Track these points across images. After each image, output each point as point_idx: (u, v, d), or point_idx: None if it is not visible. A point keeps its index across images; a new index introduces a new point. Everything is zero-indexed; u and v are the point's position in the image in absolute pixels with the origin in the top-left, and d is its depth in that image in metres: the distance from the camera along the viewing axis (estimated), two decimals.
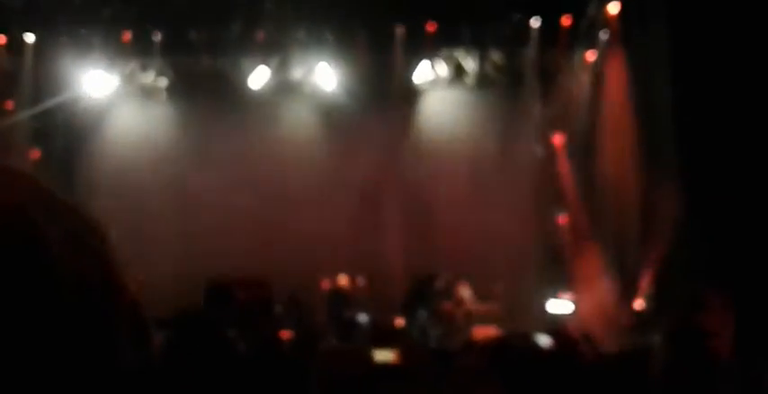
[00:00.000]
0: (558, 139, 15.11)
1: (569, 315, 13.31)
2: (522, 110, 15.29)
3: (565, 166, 14.84)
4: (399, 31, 15.13)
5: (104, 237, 0.65)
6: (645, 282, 12.00)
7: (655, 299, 11.76)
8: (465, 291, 13.13)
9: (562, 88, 15.16)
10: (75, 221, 0.63)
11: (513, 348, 3.18)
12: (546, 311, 13.63)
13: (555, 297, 13.90)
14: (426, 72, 15.53)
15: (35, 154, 15.15)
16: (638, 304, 11.80)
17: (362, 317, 12.28)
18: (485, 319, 12.95)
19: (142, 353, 0.63)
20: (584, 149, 14.36)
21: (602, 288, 12.93)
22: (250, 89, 15.59)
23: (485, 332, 12.43)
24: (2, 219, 0.56)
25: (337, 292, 13.24)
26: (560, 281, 14.08)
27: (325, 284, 13.46)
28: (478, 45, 15.37)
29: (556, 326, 11.13)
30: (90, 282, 0.58)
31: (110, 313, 0.59)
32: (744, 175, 11.14)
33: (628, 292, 12.27)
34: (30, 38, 15.19)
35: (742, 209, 10.99)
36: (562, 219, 14.82)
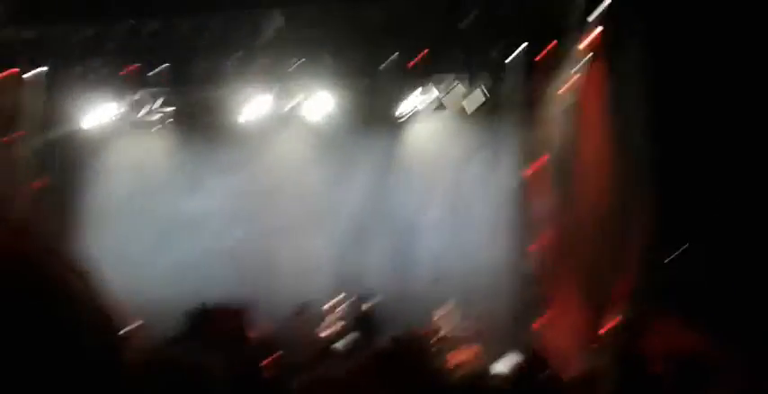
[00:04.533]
0: (539, 164, 15.35)
1: (544, 337, 13.55)
2: (504, 136, 15.59)
3: (546, 191, 15.07)
4: (388, 59, 15.54)
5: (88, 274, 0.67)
6: (616, 305, 12.16)
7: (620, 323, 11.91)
8: (446, 315, 13.46)
9: (543, 114, 15.43)
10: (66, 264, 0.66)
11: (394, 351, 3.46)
12: (523, 334, 13.88)
13: (537, 318, 14.13)
14: (414, 99, 15.93)
15: (39, 183, 15.87)
16: (607, 327, 11.96)
17: (340, 343, 12.65)
18: (467, 342, 13.27)
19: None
20: (564, 176, 14.59)
21: (576, 311, 13.14)
22: (246, 119, 16.14)
23: (462, 355, 12.76)
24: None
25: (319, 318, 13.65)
26: (539, 304, 14.32)
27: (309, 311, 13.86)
28: (466, 70, 15.72)
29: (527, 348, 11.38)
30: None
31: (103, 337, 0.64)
32: (723, 205, 11.26)
33: (599, 315, 12.44)
34: (36, 71, 15.92)
35: (719, 234, 11.12)
36: (540, 243, 15.04)
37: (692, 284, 10.56)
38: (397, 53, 15.48)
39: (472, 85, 15.90)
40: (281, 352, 12.34)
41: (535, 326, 13.94)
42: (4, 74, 15.55)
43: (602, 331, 11.99)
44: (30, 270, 0.61)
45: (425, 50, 15.36)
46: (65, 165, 16.38)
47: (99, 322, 0.64)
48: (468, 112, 15.82)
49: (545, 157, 15.13)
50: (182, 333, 11.39)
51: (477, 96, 15.88)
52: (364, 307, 13.63)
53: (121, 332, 0.66)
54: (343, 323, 13.38)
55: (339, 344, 12.67)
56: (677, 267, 11.18)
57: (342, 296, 13.37)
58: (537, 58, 14.99)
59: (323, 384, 3.74)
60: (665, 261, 11.35)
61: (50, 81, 15.91)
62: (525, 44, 15.05)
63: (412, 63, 15.18)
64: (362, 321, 13.47)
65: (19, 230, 0.64)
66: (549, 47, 15.03)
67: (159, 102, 16.50)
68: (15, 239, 0.63)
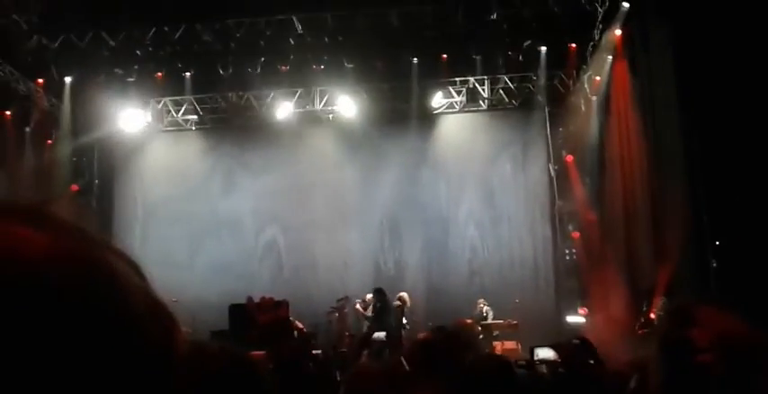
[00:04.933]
0: (569, 159, 15.59)
1: (584, 327, 13.65)
2: (534, 132, 15.87)
3: (577, 184, 15.30)
4: (415, 60, 15.83)
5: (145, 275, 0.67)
6: (658, 293, 12.30)
7: (667, 310, 12.03)
8: (485, 308, 13.59)
9: (571, 110, 15.72)
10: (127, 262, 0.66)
11: (438, 345, 3.47)
12: (562, 324, 14.00)
13: (572, 310, 14.27)
14: (442, 98, 16.21)
15: (74, 187, 16.02)
16: (652, 315, 12.08)
17: (379, 335, 12.69)
18: (505, 334, 13.36)
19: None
20: (594, 167, 14.82)
21: (617, 300, 13.25)
22: (275, 121, 16.36)
23: (505, 346, 12.86)
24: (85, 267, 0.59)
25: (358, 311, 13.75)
26: (576, 294, 14.48)
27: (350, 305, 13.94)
28: (491, 71, 16.03)
29: (568, 338, 11.42)
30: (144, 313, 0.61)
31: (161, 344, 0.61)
32: (754, 189, 11.47)
33: (641, 304, 12.58)
34: (67, 79, 16.13)
35: (752, 224, 11.29)
36: (576, 234, 15.23)
37: (734, 272, 10.75)
38: (417, 58, 15.80)
39: (498, 84, 16.22)
40: (322, 344, 12.42)
41: (576, 315, 14.07)
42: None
43: (644, 319, 12.13)
44: (98, 269, 0.59)
45: (447, 53, 15.70)
46: (101, 169, 16.51)
47: (158, 316, 0.63)
48: (495, 110, 16.17)
49: (576, 152, 15.39)
50: (225, 328, 11.48)
51: (502, 95, 16.22)
52: (397, 300, 13.66)
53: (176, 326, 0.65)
54: (378, 315, 13.44)
55: (378, 336, 12.73)
56: (718, 256, 11.37)
57: (377, 290, 13.39)
58: (566, 55, 15.32)
59: (368, 375, 3.77)
60: (706, 249, 11.55)
61: (81, 88, 16.14)
62: (552, 44, 15.37)
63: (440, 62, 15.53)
64: (395, 314, 13.51)
65: (78, 231, 0.62)
66: (575, 47, 15.39)
67: (189, 107, 16.70)
68: (77, 241, 0.60)
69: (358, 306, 13.94)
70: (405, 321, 13.18)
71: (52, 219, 0.62)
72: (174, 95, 16.66)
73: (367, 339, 12.92)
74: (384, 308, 12.99)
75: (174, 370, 0.63)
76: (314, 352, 11.32)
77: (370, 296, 13.95)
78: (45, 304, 0.56)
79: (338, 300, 13.65)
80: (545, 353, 11.21)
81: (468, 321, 12.81)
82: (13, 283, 0.56)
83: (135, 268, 0.64)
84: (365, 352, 12.07)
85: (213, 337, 11.35)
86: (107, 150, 16.56)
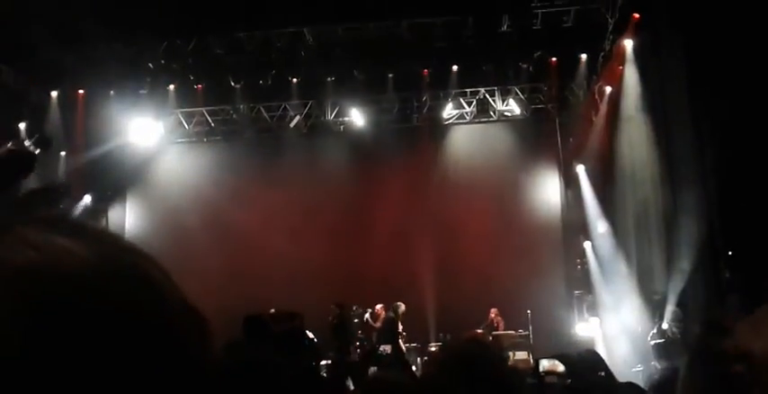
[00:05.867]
0: (580, 169, 15.59)
1: (595, 338, 13.62)
2: (545, 142, 15.89)
3: (588, 194, 15.28)
4: (425, 71, 15.88)
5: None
6: (670, 303, 12.25)
7: (681, 322, 11.99)
8: (496, 318, 13.56)
9: (582, 120, 15.73)
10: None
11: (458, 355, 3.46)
12: (573, 336, 13.95)
13: (582, 321, 14.22)
14: (452, 109, 16.27)
15: (87, 198, 16.11)
16: (664, 325, 12.03)
17: (386, 347, 12.67)
18: (516, 345, 13.32)
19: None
20: (605, 177, 14.81)
21: (629, 311, 13.21)
22: (286, 132, 16.44)
23: (516, 357, 12.82)
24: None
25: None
26: (587, 305, 14.43)
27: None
28: (501, 82, 16.08)
29: (575, 349, 11.39)
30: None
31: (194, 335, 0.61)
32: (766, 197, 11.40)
33: (653, 314, 12.53)
34: (80, 91, 16.26)
35: (765, 234, 11.22)
36: (587, 244, 15.20)
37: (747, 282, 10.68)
38: (427, 69, 15.85)
39: (508, 95, 16.27)
40: (332, 354, 12.40)
41: (587, 326, 14.02)
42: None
43: (656, 330, 12.07)
44: (138, 276, 0.60)
45: (457, 65, 15.74)
46: (114, 180, 16.62)
47: (194, 319, 0.63)
48: (505, 120, 16.20)
49: (587, 162, 15.38)
50: (241, 339, 11.45)
51: (512, 106, 16.26)
52: (391, 311, 13.60)
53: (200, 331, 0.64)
54: (386, 327, 13.44)
55: (384, 348, 12.71)
56: (730, 266, 11.32)
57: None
58: (576, 65, 15.35)
59: (385, 385, 3.75)
60: (719, 259, 11.50)
61: (94, 100, 16.26)
62: (562, 54, 15.40)
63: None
64: (389, 325, 13.46)
65: (112, 239, 0.62)
66: (585, 57, 15.42)
67: (201, 119, 16.82)
68: (114, 248, 0.61)
69: (367, 316, 13.95)
70: (401, 329, 13.15)
71: (87, 228, 0.62)
72: (185, 108, 16.78)
73: (372, 352, 12.91)
74: (341, 324, 12.91)
75: (211, 371, 0.63)
76: (324, 362, 11.37)
77: (379, 307, 13.96)
78: (94, 314, 0.57)
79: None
80: (550, 364, 11.12)
81: (479, 332, 12.79)
82: (62, 294, 0.56)
83: (165, 273, 0.65)
84: (371, 366, 12.00)
85: (229, 348, 11.36)
86: (120, 162, 16.66)
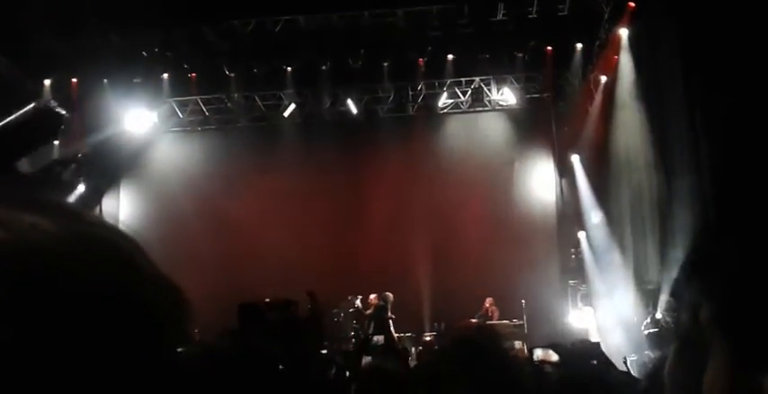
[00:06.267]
0: (575, 158, 15.59)
1: (589, 328, 13.66)
2: (540, 131, 15.88)
3: (583, 183, 15.29)
4: (421, 60, 15.82)
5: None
6: (664, 292, 12.28)
7: (673, 309, 12.03)
8: (491, 308, 13.59)
9: (577, 109, 15.72)
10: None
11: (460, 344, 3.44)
12: (566, 325, 14.00)
13: (576, 311, 14.25)
14: (447, 98, 16.23)
15: (81, 187, 16.06)
16: (658, 314, 12.06)
17: (378, 338, 12.69)
18: (510, 335, 13.35)
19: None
20: (600, 166, 14.82)
21: (622, 299, 13.25)
22: (281, 121, 16.39)
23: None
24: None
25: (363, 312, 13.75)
26: (581, 294, 14.47)
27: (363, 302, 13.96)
28: (496, 71, 16.03)
29: (572, 339, 11.42)
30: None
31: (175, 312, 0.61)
32: (762, 188, 11.41)
33: (647, 304, 12.57)
34: (74, 80, 16.18)
35: (760, 224, 11.21)
36: (581, 234, 15.22)
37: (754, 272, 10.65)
38: (422, 58, 15.79)
39: (503, 84, 16.24)
40: (327, 344, 12.41)
41: (580, 316, 14.06)
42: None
43: (650, 319, 12.11)
44: (106, 248, 0.59)
45: (452, 54, 15.68)
46: (108, 169, 16.56)
47: (168, 289, 0.62)
48: (500, 109, 16.18)
49: (581, 151, 15.39)
50: (236, 327, 11.45)
51: (508, 95, 16.24)
52: (381, 300, 13.60)
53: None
54: (380, 318, 13.47)
55: (378, 338, 12.73)
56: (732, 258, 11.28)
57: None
58: (572, 54, 15.31)
59: (383, 376, 3.74)
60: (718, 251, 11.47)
61: (88, 89, 16.19)
62: (557, 43, 15.36)
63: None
64: (380, 312, 13.47)
65: (78, 213, 0.61)
66: (580, 46, 15.38)
67: (195, 107, 16.75)
68: (80, 223, 0.59)
69: (358, 303, 13.98)
70: (391, 315, 13.18)
71: (58, 205, 0.62)
72: (180, 96, 16.71)
73: (366, 343, 12.91)
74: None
75: (189, 342, 0.62)
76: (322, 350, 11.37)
77: (373, 296, 13.99)
78: (65, 289, 0.56)
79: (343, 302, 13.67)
80: (543, 353, 11.17)
81: (473, 321, 12.82)
82: (31, 270, 0.55)
83: (141, 250, 0.63)
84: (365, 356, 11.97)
85: (223, 336, 11.35)
86: (114, 151, 16.60)
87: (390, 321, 13.08)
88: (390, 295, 13.22)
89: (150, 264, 0.63)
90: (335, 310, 14.03)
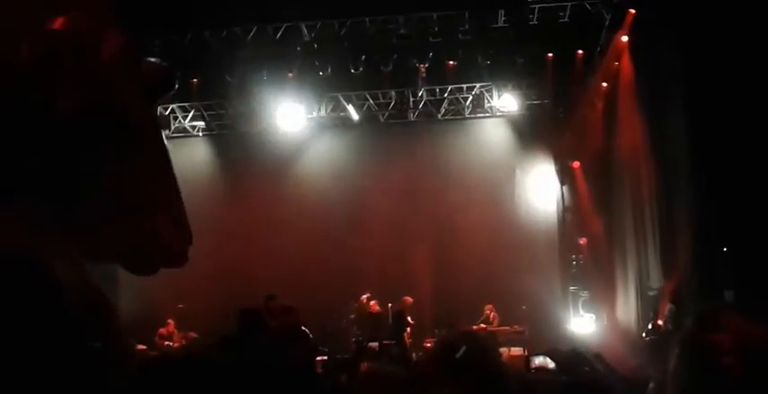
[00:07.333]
0: (576, 165, 15.58)
1: (590, 333, 13.62)
2: (541, 138, 15.87)
3: (584, 190, 15.28)
4: (422, 66, 15.82)
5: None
6: (665, 299, 12.26)
7: (675, 316, 12.00)
8: (491, 314, 13.57)
9: (578, 116, 15.71)
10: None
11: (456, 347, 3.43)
12: (567, 330, 13.97)
13: (578, 317, 14.22)
14: (448, 105, 16.24)
15: None
16: (659, 321, 12.04)
17: (373, 344, 12.68)
18: (511, 341, 13.33)
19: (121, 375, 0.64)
20: (601, 172, 14.81)
21: (623, 306, 13.22)
22: (281, 127, 16.37)
23: (511, 353, 12.82)
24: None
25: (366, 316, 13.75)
26: (582, 301, 14.43)
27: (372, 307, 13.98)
28: (497, 78, 16.04)
29: (574, 344, 11.38)
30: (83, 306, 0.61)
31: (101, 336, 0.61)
32: (763, 195, 11.39)
33: (648, 311, 12.53)
34: None
35: (760, 231, 11.21)
36: (582, 241, 15.20)
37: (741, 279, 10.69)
38: (423, 65, 15.78)
39: (504, 91, 16.24)
40: (326, 349, 12.38)
41: (581, 322, 14.02)
42: None
43: (651, 326, 12.08)
44: (28, 267, 0.59)
45: (453, 60, 15.68)
46: None
47: (95, 309, 0.63)
48: (501, 116, 16.18)
49: (582, 158, 15.38)
50: (234, 333, 11.40)
51: (509, 101, 16.23)
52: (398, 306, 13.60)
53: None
54: (383, 321, 13.46)
55: (373, 344, 12.71)
56: (725, 263, 11.31)
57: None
58: (572, 61, 15.31)
59: (381, 379, 3.73)
60: (715, 256, 11.49)
61: None
62: (558, 50, 15.36)
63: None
64: (397, 320, 13.48)
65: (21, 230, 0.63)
66: (581, 53, 15.37)
67: (196, 113, 16.74)
68: (14, 240, 0.61)
69: (365, 301, 14.00)
70: (410, 321, 13.20)
71: None
72: (181, 102, 16.69)
73: (364, 348, 12.90)
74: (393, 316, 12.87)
75: (116, 359, 0.62)
76: (319, 358, 11.34)
77: (373, 302, 14.01)
78: None
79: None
80: (542, 360, 11.13)
81: (482, 327, 12.81)
82: None
83: (76, 264, 0.63)
84: (364, 362, 11.88)
85: (222, 343, 11.30)
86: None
87: (408, 328, 13.13)
88: (410, 299, 13.28)
89: (78, 281, 0.62)
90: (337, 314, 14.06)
